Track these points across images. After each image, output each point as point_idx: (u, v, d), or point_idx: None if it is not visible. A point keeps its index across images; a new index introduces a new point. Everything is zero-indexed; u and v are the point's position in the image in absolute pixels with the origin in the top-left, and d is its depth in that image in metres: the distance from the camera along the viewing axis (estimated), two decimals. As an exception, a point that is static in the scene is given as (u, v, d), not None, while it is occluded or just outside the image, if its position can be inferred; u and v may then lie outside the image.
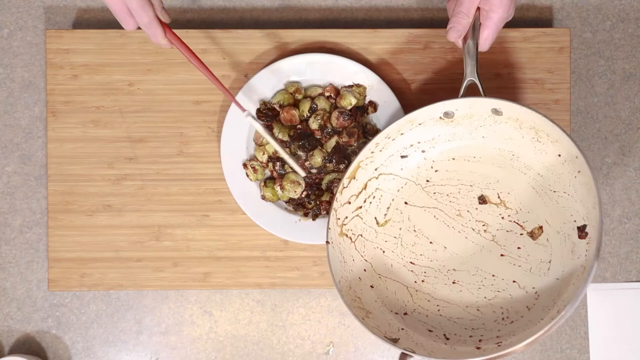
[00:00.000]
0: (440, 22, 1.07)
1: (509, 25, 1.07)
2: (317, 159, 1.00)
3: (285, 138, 1.00)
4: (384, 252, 0.94)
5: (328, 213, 1.01)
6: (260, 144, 1.01)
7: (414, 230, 0.95)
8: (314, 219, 1.01)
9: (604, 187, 1.06)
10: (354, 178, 0.93)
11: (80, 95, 1.03)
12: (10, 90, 1.06)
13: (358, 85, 1.01)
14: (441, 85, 1.03)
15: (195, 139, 1.03)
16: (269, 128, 1.01)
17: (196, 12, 1.07)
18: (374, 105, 1.02)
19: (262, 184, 1.02)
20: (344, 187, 0.93)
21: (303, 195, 1.01)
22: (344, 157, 1.00)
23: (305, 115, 1.01)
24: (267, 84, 1.01)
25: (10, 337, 1.05)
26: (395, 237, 0.95)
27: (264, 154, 1.01)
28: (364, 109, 1.02)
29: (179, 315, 1.05)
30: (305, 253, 1.03)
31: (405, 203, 0.95)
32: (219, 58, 1.03)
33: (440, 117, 0.91)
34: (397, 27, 1.05)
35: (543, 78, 1.03)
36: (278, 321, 1.06)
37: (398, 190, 0.95)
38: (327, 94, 1.02)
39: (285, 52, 1.03)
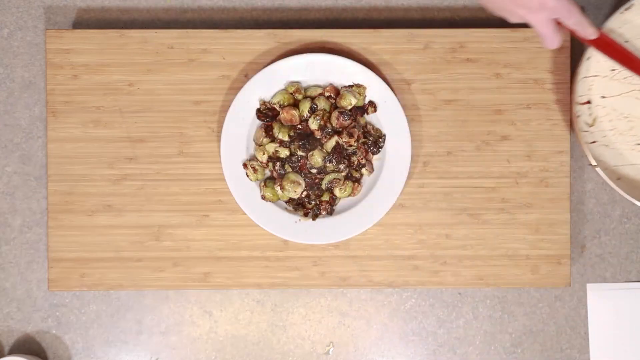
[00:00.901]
0: (440, 22, 1.07)
1: (509, 25, 1.07)
2: (317, 159, 1.00)
3: (285, 138, 1.00)
4: (607, 146, 0.99)
5: (329, 213, 1.01)
6: (260, 144, 1.01)
7: (625, 117, 0.99)
8: (314, 219, 1.01)
9: (604, 187, 1.06)
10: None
11: (80, 95, 1.03)
12: (10, 90, 1.06)
13: (358, 85, 1.01)
14: (441, 85, 1.03)
15: (195, 139, 1.03)
16: (269, 128, 1.01)
17: (196, 12, 1.07)
18: (374, 105, 1.02)
19: (262, 184, 1.02)
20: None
21: (303, 195, 1.01)
22: (344, 157, 1.00)
23: (305, 115, 1.01)
24: (267, 84, 1.01)
25: (10, 337, 1.05)
26: (610, 130, 0.99)
27: (264, 154, 1.01)
28: (364, 109, 1.02)
29: (179, 315, 1.05)
30: (305, 253, 1.03)
31: (603, 97, 0.99)
32: (219, 58, 1.03)
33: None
34: (397, 27, 1.06)
35: (543, 78, 1.03)
36: (278, 321, 1.06)
37: (589, 89, 0.99)
38: (327, 94, 1.02)
39: (285, 52, 1.03)
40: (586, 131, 1.01)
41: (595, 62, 1.01)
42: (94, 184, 1.03)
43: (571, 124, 1.00)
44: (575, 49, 1.07)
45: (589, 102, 1.00)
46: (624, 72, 1.01)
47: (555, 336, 1.06)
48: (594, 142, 1.00)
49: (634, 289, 1.06)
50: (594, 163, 0.96)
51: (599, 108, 1.01)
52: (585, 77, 1.00)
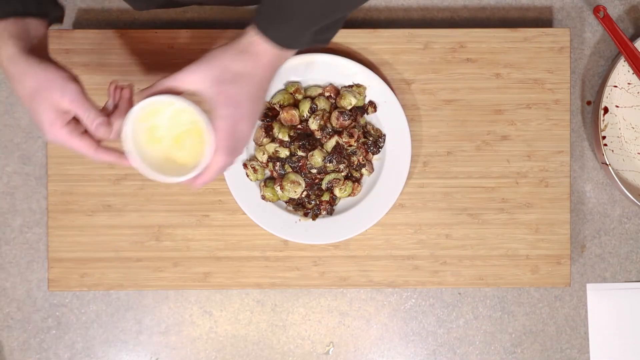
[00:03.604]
0: (440, 22, 1.07)
1: (509, 25, 1.07)
2: (317, 159, 1.00)
3: (285, 138, 1.00)
4: (612, 151, 1.05)
5: (329, 213, 1.01)
6: (260, 144, 1.01)
7: (632, 127, 1.05)
8: (314, 219, 1.01)
9: (604, 187, 1.06)
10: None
11: (80, 95, 1.03)
12: (10, 89, 1.06)
13: (358, 85, 1.01)
14: (441, 85, 1.03)
15: (195, 139, 1.03)
16: (269, 128, 1.01)
17: (196, 12, 1.07)
18: (374, 105, 1.02)
19: (262, 184, 1.02)
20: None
21: (303, 195, 1.01)
22: (344, 157, 1.00)
23: (305, 115, 1.01)
24: (267, 84, 1.01)
25: (10, 337, 1.05)
26: (618, 137, 1.05)
27: (264, 154, 1.01)
28: (364, 109, 1.02)
29: (179, 315, 1.05)
30: (305, 253, 1.03)
31: (617, 106, 1.05)
32: (219, 58, 1.03)
33: None
34: (397, 27, 1.05)
35: (543, 78, 1.03)
36: (278, 321, 1.06)
37: (607, 97, 1.05)
38: (327, 94, 1.02)
39: (285, 52, 1.03)
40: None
41: (616, 74, 1.05)
42: (94, 184, 1.03)
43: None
44: (576, 49, 1.07)
45: (606, 108, 1.05)
46: (638, 87, 1.06)
47: (555, 336, 1.06)
48: (605, 145, 1.05)
49: (634, 289, 1.06)
50: (607, 162, 1.01)
51: (612, 116, 1.06)
52: (607, 86, 1.05)
